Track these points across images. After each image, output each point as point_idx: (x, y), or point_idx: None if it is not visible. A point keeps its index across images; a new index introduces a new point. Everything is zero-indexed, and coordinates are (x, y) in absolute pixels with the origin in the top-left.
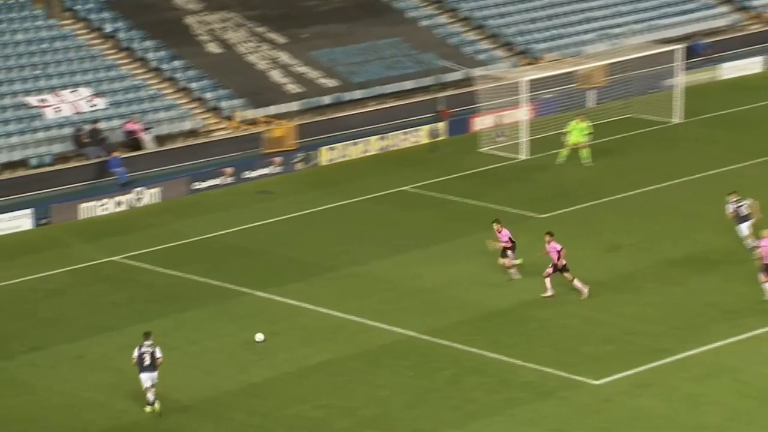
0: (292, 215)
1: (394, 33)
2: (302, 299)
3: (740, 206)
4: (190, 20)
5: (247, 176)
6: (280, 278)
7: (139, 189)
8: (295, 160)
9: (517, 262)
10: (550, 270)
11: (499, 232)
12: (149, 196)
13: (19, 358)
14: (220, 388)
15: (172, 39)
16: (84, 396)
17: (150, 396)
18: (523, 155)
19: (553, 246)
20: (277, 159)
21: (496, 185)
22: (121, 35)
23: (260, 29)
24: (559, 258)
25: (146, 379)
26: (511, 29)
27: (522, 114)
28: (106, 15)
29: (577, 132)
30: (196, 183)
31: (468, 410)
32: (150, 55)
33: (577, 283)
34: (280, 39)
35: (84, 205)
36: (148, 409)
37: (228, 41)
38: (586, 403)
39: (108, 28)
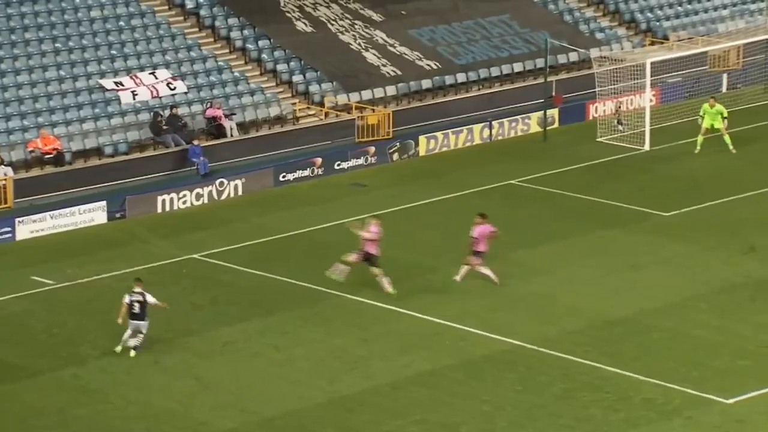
0: (388, 210)
1: (502, 9)
2: (398, 303)
3: None
4: None
5: (338, 167)
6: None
7: (221, 180)
8: (391, 150)
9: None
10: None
11: (481, 226)
12: (232, 188)
13: (91, 364)
14: (307, 400)
15: (258, 17)
16: (161, 405)
17: (132, 341)
18: (646, 146)
19: (485, 228)
20: (372, 149)
21: (615, 179)
22: (203, 12)
23: (354, 5)
24: (478, 243)
25: (134, 327)
26: (634, 5)
27: (645, 100)
28: None
29: (710, 116)
30: (283, 174)
31: (582, 430)
32: (234, 34)
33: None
34: (376, 16)
35: (162, 197)
36: (118, 348)
37: (319, 19)
38: (716, 425)
39: (189, 4)
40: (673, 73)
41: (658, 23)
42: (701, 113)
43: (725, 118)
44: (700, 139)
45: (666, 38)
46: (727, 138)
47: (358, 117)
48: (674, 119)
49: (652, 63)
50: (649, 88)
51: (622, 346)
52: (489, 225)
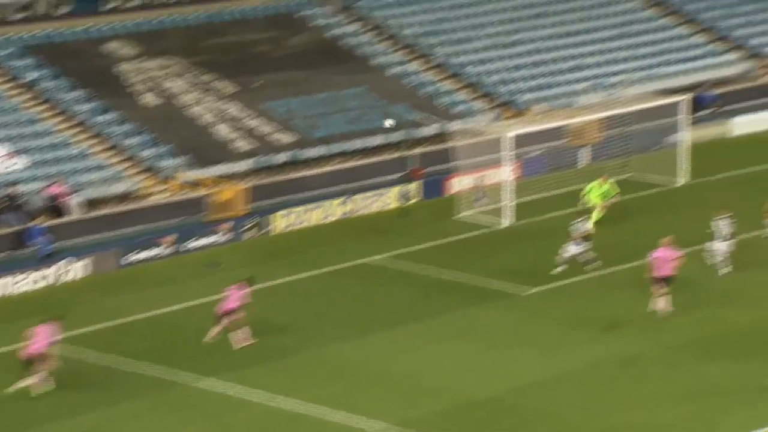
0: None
1: (358, 82)
2: (255, 386)
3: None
4: (124, 67)
5: (189, 246)
6: (228, 363)
7: (64, 262)
8: (245, 228)
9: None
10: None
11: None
12: (76, 270)
13: None
14: None
15: (103, 89)
16: None
17: None
18: (507, 221)
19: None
20: (225, 226)
21: (477, 255)
22: (45, 84)
23: (206, 77)
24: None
25: None
26: (493, 78)
27: (505, 174)
28: (27, 61)
29: (598, 192)
30: (131, 254)
31: None
32: (77, 108)
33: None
34: (229, 88)
35: None
36: None
37: (168, 91)
38: None
39: (30, 76)
40: (534, 147)
41: (517, 96)
42: (587, 190)
43: (613, 196)
44: (596, 214)
45: (525, 111)
46: (596, 214)
47: (211, 193)
48: (536, 193)
49: (511, 136)
50: (509, 162)
51: (488, 427)
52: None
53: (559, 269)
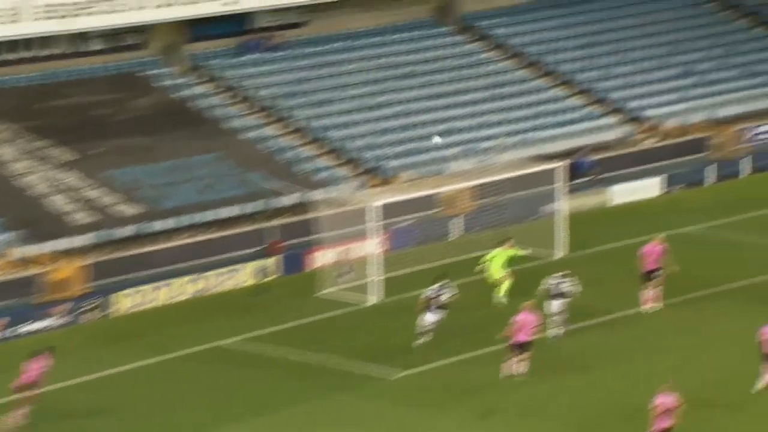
0: (83, 379)
1: (210, 147)
2: None
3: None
4: None
5: (21, 331)
6: None
7: None
8: (84, 309)
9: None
10: None
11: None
12: None
13: None
14: None
15: None
16: None
17: None
18: (374, 298)
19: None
20: (61, 308)
21: (341, 336)
22: None
23: (39, 143)
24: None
25: None
26: (357, 142)
27: (372, 247)
28: None
29: (502, 261)
30: None
31: None
32: None
33: None
34: (66, 155)
35: None
36: None
37: None
38: None
39: None
40: (403, 217)
41: (383, 162)
42: (488, 258)
43: (515, 261)
44: (506, 285)
45: (393, 179)
46: (505, 286)
47: (46, 272)
48: (405, 267)
49: (378, 206)
50: (375, 234)
51: None
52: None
53: (421, 341)
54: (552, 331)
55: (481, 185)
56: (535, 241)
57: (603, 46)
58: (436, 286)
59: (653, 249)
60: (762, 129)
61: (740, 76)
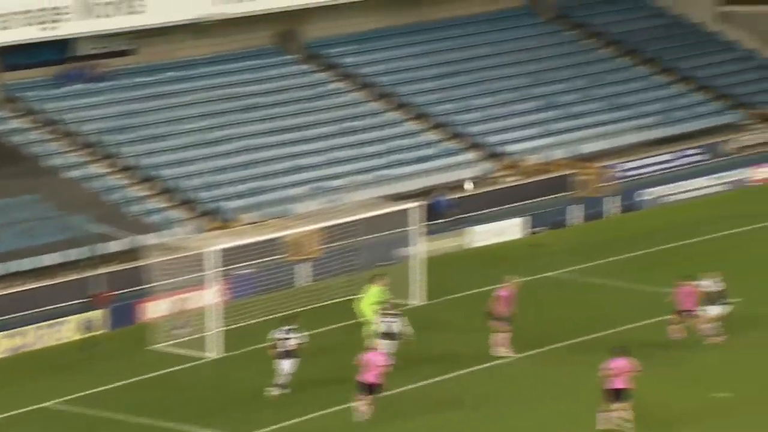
0: None
1: (29, 188)
2: None
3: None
4: None
5: None
6: None
7: None
8: None
9: None
10: None
11: None
12: None
13: None
14: None
15: None
16: None
17: None
18: (213, 353)
19: None
20: None
21: (176, 395)
22: None
23: None
24: None
25: None
26: (193, 181)
27: (210, 296)
28: None
29: (374, 300)
30: None
31: None
32: None
33: None
34: None
35: None
36: None
37: None
38: None
39: None
40: (244, 263)
41: (222, 203)
42: (362, 300)
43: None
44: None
45: (233, 221)
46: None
47: None
48: (247, 318)
49: (217, 251)
50: (214, 283)
51: None
52: None
53: (276, 392)
54: None
55: (330, 228)
56: (390, 288)
57: (460, 76)
58: (285, 328)
59: (504, 293)
60: (629, 165)
61: (605, 108)
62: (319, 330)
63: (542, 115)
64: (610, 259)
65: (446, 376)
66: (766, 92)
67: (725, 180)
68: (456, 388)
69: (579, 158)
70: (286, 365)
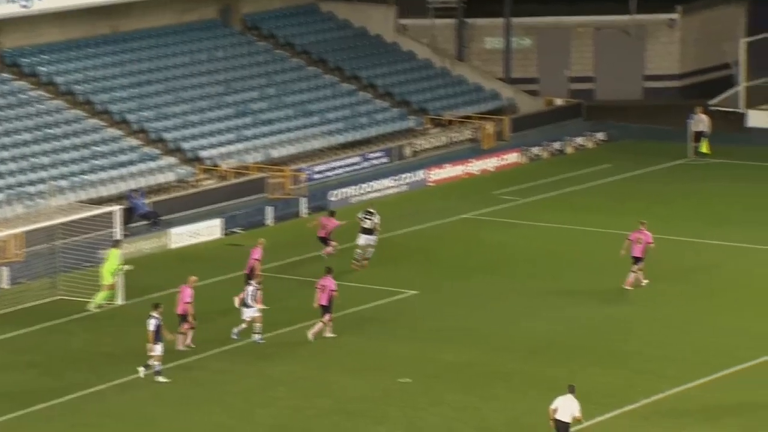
0: None
1: None
2: None
3: None
4: None
5: None
6: None
7: None
8: None
9: None
10: None
11: None
12: None
13: None
14: None
15: None
16: None
17: None
18: None
19: None
20: None
21: None
22: None
23: None
24: None
25: None
26: None
27: None
28: None
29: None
30: None
31: None
32: None
33: None
34: None
35: None
36: None
37: None
38: None
39: None
40: None
41: None
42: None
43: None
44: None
45: None
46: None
47: None
48: None
49: None
50: None
51: None
52: None
53: None
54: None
55: (30, 232)
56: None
57: (156, 84)
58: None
59: (186, 291)
60: (317, 168)
61: (295, 115)
62: (19, 332)
63: (236, 122)
64: (304, 256)
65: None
66: (440, 99)
67: (406, 181)
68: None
69: (271, 162)
70: None
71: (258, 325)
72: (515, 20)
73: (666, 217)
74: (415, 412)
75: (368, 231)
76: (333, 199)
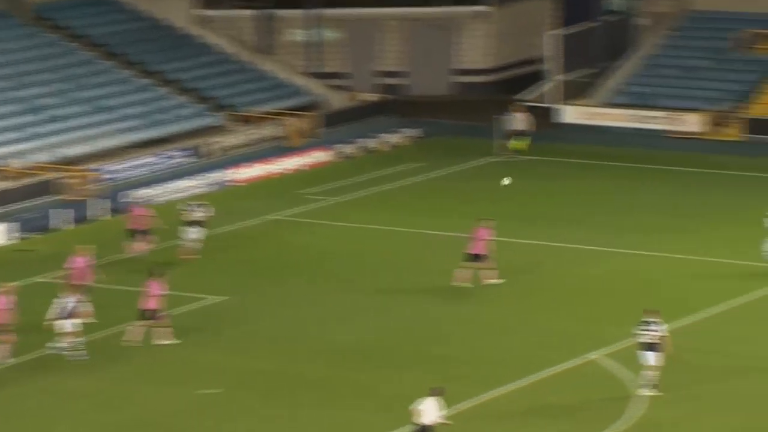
0: None
1: None
2: None
3: None
4: None
5: None
6: None
7: None
8: None
9: None
10: None
11: None
12: None
13: None
14: None
15: None
16: None
17: None
18: None
19: None
20: None
21: None
22: None
23: None
24: None
25: None
26: None
27: None
28: None
29: None
30: None
31: None
32: None
33: None
34: None
35: None
36: None
37: None
38: None
39: None
40: None
41: None
42: None
43: None
44: None
45: None
46: None
47: None
48: None
49: None
50: None
51: None
52: None
53: None
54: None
55: None
56: None
57: None
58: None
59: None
60: (114, 168)
61: (88, 111)
62: None
63: (24, 119)
64: (101, 261)
65: None
66: (245, 94)
67: (210, 180)
68: None
69: (64, 162)
70: None
71: (76, 340)
72: (325, 12)
73: (477, 215)
74: (222, 424)
75: (198, 223)
76: (129, 200)
